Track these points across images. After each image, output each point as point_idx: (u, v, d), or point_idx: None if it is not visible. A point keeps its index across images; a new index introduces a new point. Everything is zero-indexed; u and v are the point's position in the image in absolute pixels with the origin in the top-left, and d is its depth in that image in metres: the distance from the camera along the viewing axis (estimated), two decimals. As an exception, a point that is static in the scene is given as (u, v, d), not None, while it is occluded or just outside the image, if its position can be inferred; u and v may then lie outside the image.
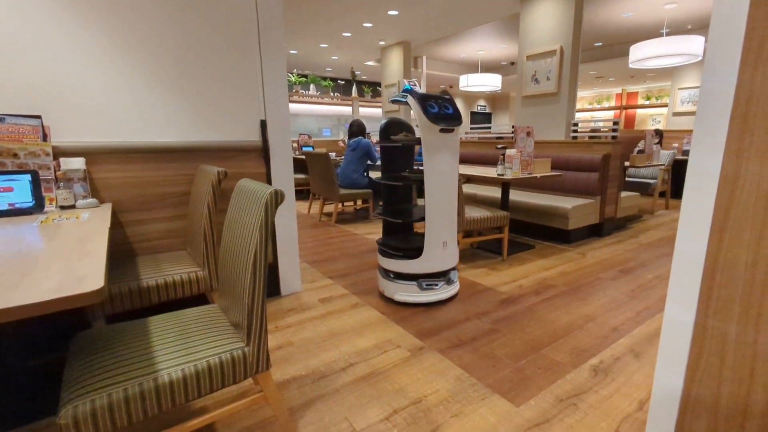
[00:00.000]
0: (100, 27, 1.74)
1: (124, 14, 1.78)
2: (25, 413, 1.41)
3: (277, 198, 1.11)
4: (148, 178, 1.93)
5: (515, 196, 3.98)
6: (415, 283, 2.29)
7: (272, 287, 2.44)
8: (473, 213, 2.94)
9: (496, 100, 15.53)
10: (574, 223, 3.53)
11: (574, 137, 4.62)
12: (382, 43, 7.50)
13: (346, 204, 5.24)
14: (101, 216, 1.46)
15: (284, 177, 2.36)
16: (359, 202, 5.62)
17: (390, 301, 2.37)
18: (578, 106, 13.65)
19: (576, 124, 4.67)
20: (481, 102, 15.35)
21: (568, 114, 4.75)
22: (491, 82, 8.35)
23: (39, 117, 1.53)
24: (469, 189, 4.47)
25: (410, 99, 2.14)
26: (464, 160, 4.90)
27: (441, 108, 2.15)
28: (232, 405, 1.19)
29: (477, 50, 8.83)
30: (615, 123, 4.24)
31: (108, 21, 1.76)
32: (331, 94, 10.40)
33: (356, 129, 4.65)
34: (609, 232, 3.98)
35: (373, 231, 4.22)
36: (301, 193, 6.56)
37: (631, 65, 5.75)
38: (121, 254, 1.93)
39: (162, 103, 1.93)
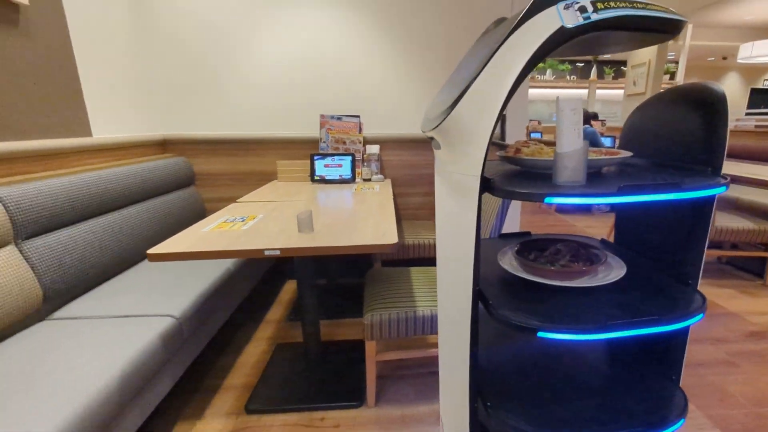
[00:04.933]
0: (397, 46, 2.31)
1: (416, 35, 2.30)
2: (334, 313, 2.18)
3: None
4: (413, 161, 2.48)
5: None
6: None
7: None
8: (728, 222, 2.35)
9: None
10: None
11: None
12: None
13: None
14: (386, 188, 2.04)
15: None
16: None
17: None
18: None
19: None
20: (773, 75, 10.56)
21: None
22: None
23: (358, 116, 2.24)
24: (731, 192, 3.46)
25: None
26: (734, 155, 3.75)
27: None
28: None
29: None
30: None
31: (404, 40, 2.30)
32: (567, 77, 9.65)
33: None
34: None
35: (594, 225, 3.89)
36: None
37: None
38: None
39: (427, 102, 2.41)
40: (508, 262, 0.90)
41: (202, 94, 2.25)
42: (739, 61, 6.74)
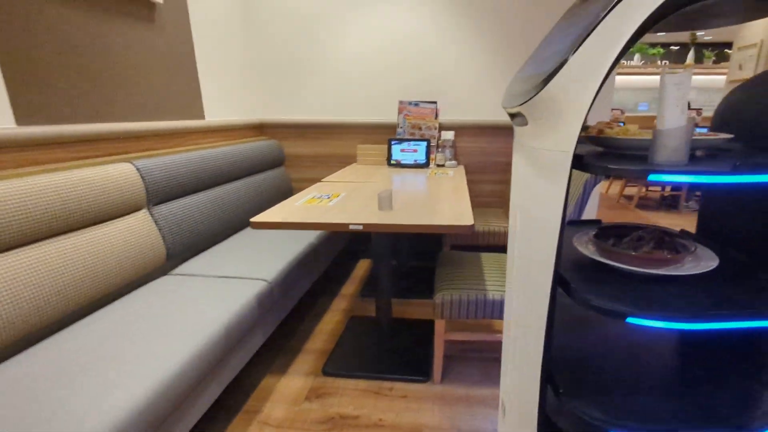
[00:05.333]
0: (475, 34, 2.29)
1: (491, 28, 2.26)
2: (403, 293, 2.28)
3: (595, 181, 1.29)
4: (486, 148, 2.46)
5: None
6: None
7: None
8: None
9: None
10: None
11: None
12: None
13: (651, 188, 4.55)
14: (459, 174, 2.06)
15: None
16: (667, 188, 4.71)
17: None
18: None
19: None
20: None
21: None
22: None
23: (435, 102, 2.28)
24: None
25: None
26: None
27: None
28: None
29: None
30: None
31: (478, 31, 2.28)
32: (659, 62, 8.39)
33: None
34: None
35: (680, 225, 3.49)
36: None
37: None
38: (462, 204, 2.61)
39: (503, 89, 2.36)
40: (585, 247, 0.87)
41: (293, 83, 2.44)
42: None
